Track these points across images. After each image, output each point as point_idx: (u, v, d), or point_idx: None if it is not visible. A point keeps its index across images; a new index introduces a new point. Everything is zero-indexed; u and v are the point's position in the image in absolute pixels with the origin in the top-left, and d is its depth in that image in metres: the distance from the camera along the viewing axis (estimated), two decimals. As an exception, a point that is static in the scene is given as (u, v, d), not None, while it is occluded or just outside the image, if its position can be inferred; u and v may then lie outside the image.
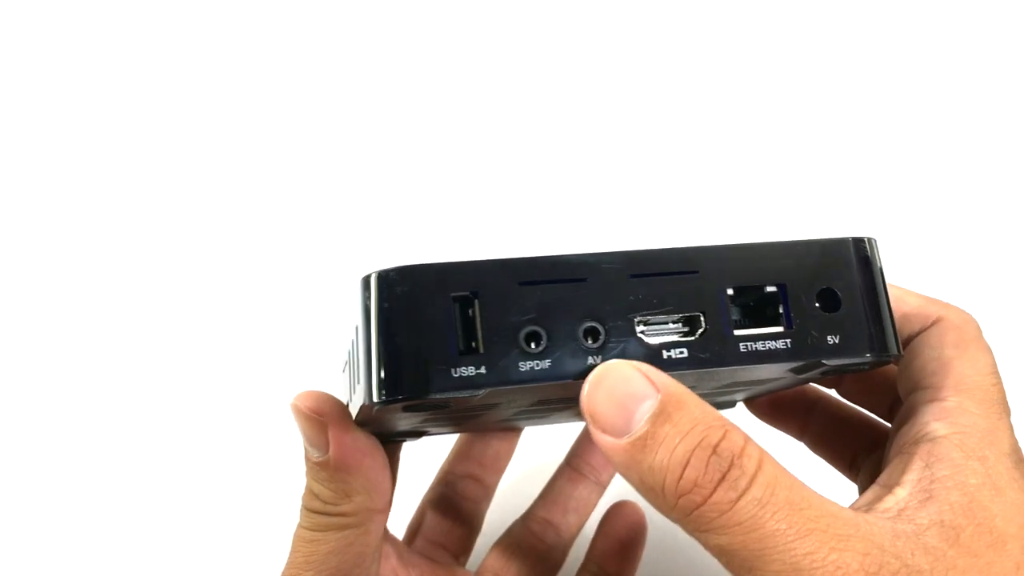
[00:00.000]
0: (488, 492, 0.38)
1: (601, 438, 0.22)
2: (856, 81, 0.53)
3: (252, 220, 0.51)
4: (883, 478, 0.25)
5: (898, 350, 0.24)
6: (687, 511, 0.21)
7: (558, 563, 0.37)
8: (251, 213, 0.51)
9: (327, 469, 0.27)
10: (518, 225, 0.50)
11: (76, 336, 0.49)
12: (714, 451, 0.21)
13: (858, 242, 0.25)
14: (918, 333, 0.27)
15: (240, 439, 0.46)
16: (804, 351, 0.23)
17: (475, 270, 0.23)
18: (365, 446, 0.27)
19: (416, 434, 0.34)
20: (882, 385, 0.31)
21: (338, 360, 0.34)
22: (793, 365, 0.24)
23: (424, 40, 0.55)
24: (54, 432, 0.46)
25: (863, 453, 0.33)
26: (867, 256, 0.24)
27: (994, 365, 0.26)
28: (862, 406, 0.33)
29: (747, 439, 0.22)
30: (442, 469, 0.39)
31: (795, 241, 0.24)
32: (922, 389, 0.26)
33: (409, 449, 0.38)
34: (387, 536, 0.34)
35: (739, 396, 0.34)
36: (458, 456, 0.38)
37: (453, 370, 0.22)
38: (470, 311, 0.23)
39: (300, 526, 0.29)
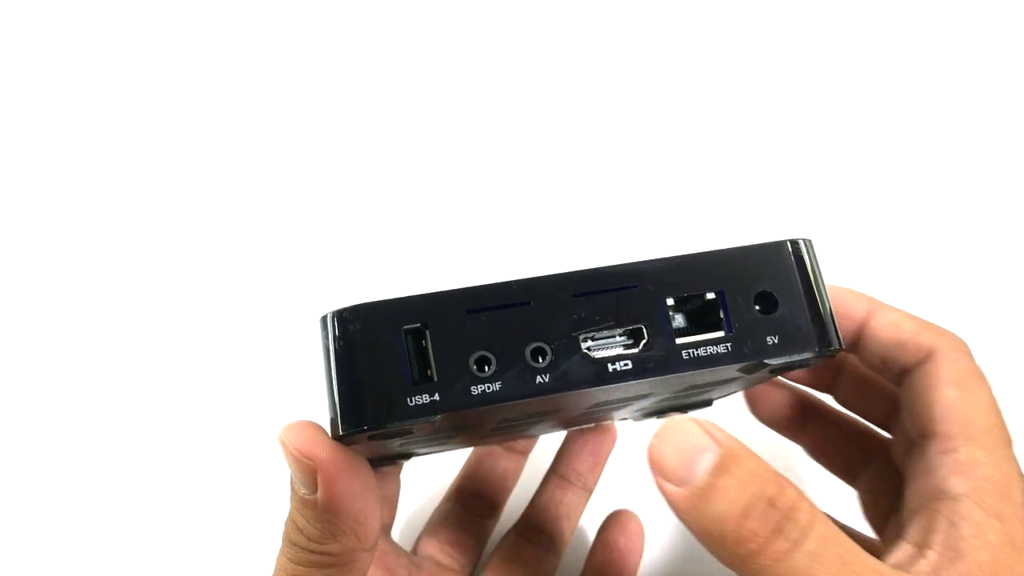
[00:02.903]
0: (496, 511, 0.39)
1: (664, 486, 0.24)
2: (785, 85, 0.53)
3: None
4: (913, 536, 0.27)
5: (839, 344, 0.25)
6: (745, 559, 0.23)
7: (553, 568, 0.38)
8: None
9: (314, 509, 0.25)
10: (464, 255, 0.50)
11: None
12: (770, 503, 0.23)
13: (792, 244, 0.25)
14: (914, 365, 0.29)
15: (225, 440, 0.44)
16: (744, 353, 0.24)
17: (423, 303, 0.24)
18: (358, 490, 0.26)
19: (407, 455, 0.35)
20: (877, 396, 0.32)
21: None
22: (737, 367, 0.25)
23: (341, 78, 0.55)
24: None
25: (859, 464, 0.34)
26: (802, 257, 0.25)
27: (993, 399, 0.28)
28: (858, 414, 0.34)
29: (800, 494, 0.23)
30: (452, 486, 0.40)
31: (730, 248, 0.25)
32: (933, 437, 0.28)
33: (422, 461, 0.37)
34: (384, 543, 0.34)
35: (715, 395, 0.35)
36: (467, 475, 0.40)
37: (409, 399, 0.23)
38: (423, 342, 0.24)
39: (282, 554, 0.27)
